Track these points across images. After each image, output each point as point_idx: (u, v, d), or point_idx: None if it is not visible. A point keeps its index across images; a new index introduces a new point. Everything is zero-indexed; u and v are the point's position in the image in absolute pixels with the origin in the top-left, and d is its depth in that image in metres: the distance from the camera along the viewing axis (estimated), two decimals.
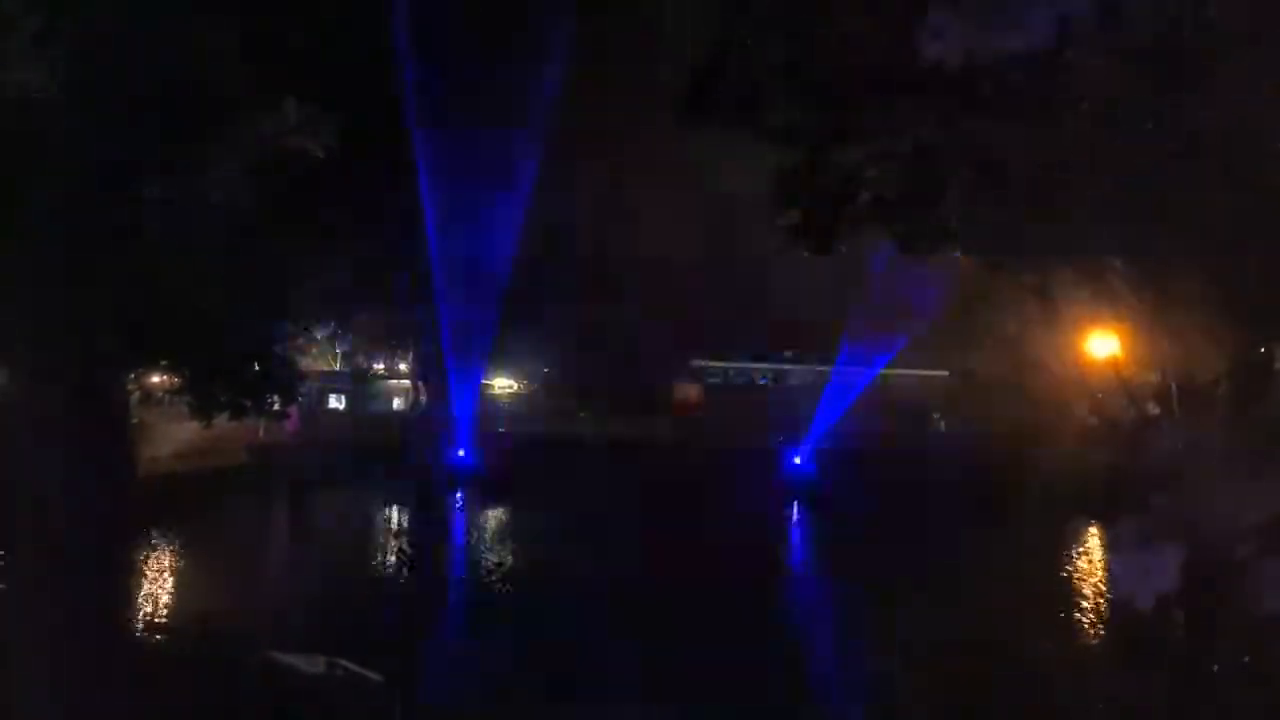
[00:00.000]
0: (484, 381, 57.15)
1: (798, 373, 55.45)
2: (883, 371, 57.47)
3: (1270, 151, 7.11)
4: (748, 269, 43.26)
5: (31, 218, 5.33)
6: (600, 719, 13.38)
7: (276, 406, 22.33)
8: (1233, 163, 7.23)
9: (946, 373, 52.60)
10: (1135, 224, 8.20)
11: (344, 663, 12.23)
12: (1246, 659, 7.04)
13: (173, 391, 22.55)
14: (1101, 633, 18.46)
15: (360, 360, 51.58)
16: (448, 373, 48.38)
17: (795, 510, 35.60)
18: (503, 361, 55.43)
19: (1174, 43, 6.25)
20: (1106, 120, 7.54)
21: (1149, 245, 8.27)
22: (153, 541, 23.77)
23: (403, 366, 56.19)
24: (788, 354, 56.18)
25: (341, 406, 52.36)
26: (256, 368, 20.19)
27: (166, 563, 22.98)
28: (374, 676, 12.33)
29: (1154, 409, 8.72)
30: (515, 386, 60.29)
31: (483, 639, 16.40)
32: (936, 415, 48.03)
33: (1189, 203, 7.53)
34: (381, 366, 55.98)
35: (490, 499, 35.67)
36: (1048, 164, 7.89)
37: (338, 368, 51.43)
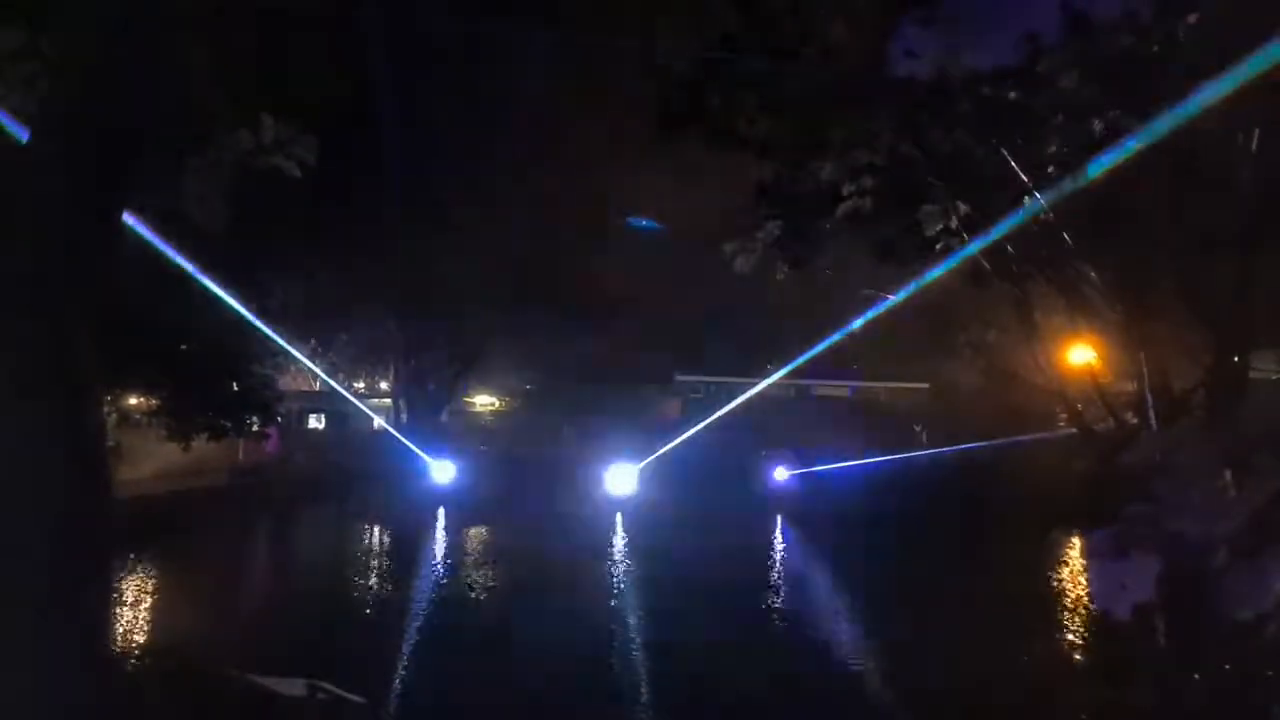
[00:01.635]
0: (465, 399, 57.06)
1: (779, 386, 55.55)
2: (863, 384, 57.83)
3: (1240, 158, 7.21)
4: (728, 283, 43.43)
5: (3, 236, 5.28)
6: None
7: (256, 427, 22.25)
8: (1204, 170, 7.34)
9: (927, 385, 53.01)
10: (1110, 232, 8.30)
11: (325, 685, 12.09)
12: (1226, 666, 7.08)
13: (150, 413, 22.42)
14: (1080, 642, 18.52)
15: (340, 379, 51.33)
16: (428, 390, 48.29)
17: (778, 524, 35.58)
18: (484, 378, 55.34)
19: (1142, 53, 6.34)
20: (1080, 131, 7.63)
21: (1124, 253, 8.37)
22: (130, 564, 23.48)
23: (384, 385, 55.97)
24: (768, 367, 56.33)
25: (321, 426, 52.10)
26: (235, 387, 20.08)
27: (144, 585, 22.69)
28: (356, 699, 12.19)
29: (1131, 418, 8.79)
30: (497, 403, 60.13)
31: (466, 660, 16.25)
32: (918, 427, 48.24)
33: (1162, 210, 7.63)
34: (362, 385, 55.72)
35: (473, 517, 35.45)
36: (1023, 175, 7.98)
37: (317, 387, 51.15)
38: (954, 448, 36.64)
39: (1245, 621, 4.07)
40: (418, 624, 19.29)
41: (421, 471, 40.40)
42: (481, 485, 38.81)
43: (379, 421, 51.44)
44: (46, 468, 5.26)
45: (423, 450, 41.27)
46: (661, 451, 41.94)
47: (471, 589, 24.65)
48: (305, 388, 50.65)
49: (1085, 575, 22.91)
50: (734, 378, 55.90)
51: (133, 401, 25.38)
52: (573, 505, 35.88)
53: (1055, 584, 24.13)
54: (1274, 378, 10.10)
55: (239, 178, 6.23)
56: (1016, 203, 8.17)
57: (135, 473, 30.62)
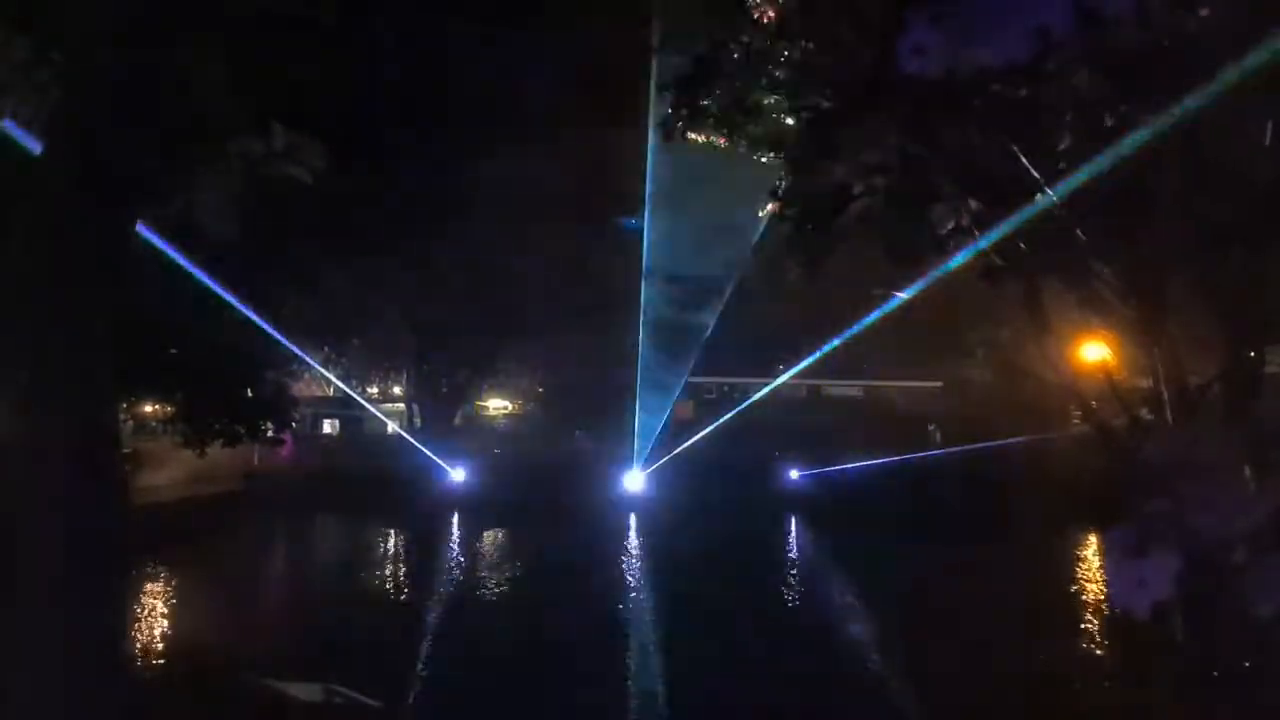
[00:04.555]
0: (478, 402, 57.16)
1: (792, 387, 55.38)
2: (877, 383, 57.64)
3: (1254, 151, 7.16)
4: (739, 284, 43.49)
5: (19, 245, 5.31)
6: None
7: (271, 433, 22.32)
8: (1217, 163, 7.28)
9: (940, 384, 52.75)
10: (1124, 228, 8.25)
11: (342, 689, 12.13)
12: (1247, 664, 7.02)
13: (167, 421, 22.53)
14: (1101, 641, 18.41)
15: (354, 384, 51.53)
16: (440, 394, 48.40)
17: (794, 524, 35.53)
18: (497, 382, 55.40)
19: (1156, 47, 6.29)
20: (1091, 126, 7.58)
21: (1138, 248, 8.31)
22: (148, 570, 23.61)
23: (397, 390, 56.12)
24: (780, 367, 56.20)
25: (335, 431, 52.34)
26: (250, 394, 20.15)
27: (162, 591, 22.82)
28: (373, 703, 12.22)
29: (1147, 415, 8.71)
30: (509, 407, 60.20)
31: (482, 664, 16.27)
32: (932, 426, 48.01)
33: (1175, 204, 7.58)
34: (375, 390, 55.91)
35: (488, 521, 35.49)
36: (1035, 172, 7.93)
37: (332, 392, 51.36)
38: (968, 446, 36.48)
39: (1265, 618, 4.02)
40: (422, 631, 19.20)
41: (437, 475, 40.44)
42: (493, 489, 38.82)
43: (392, 426, 51.60)
44: (62, 474, 5.30)
45: (436, 454, 41.30)
46: (675, 453, 41.94)
47: (481, 596, 24.68)
48: (319, 393, 50.87)
49: (1103, 572, 22.78)
50: (747, 379, 55.82)
51: (149, 409, 25.54)
52: (587, 509, 35.93)
53: (1073, 582, 24.01)
54: None
55: (252, 186, 6.25)
56: (1028, 200, 8.12)
57: (152, 478, 30.86)
